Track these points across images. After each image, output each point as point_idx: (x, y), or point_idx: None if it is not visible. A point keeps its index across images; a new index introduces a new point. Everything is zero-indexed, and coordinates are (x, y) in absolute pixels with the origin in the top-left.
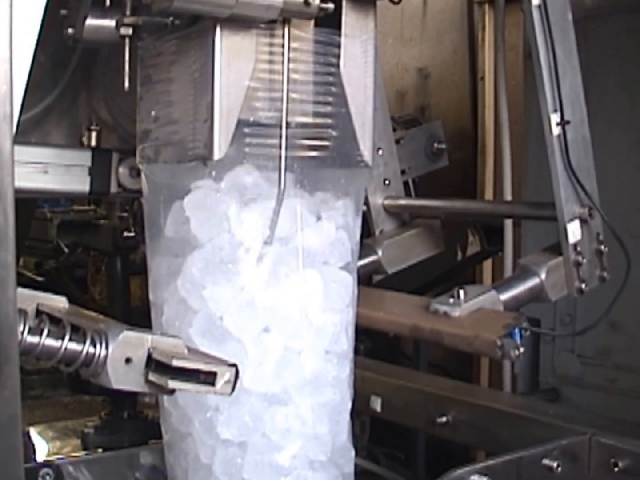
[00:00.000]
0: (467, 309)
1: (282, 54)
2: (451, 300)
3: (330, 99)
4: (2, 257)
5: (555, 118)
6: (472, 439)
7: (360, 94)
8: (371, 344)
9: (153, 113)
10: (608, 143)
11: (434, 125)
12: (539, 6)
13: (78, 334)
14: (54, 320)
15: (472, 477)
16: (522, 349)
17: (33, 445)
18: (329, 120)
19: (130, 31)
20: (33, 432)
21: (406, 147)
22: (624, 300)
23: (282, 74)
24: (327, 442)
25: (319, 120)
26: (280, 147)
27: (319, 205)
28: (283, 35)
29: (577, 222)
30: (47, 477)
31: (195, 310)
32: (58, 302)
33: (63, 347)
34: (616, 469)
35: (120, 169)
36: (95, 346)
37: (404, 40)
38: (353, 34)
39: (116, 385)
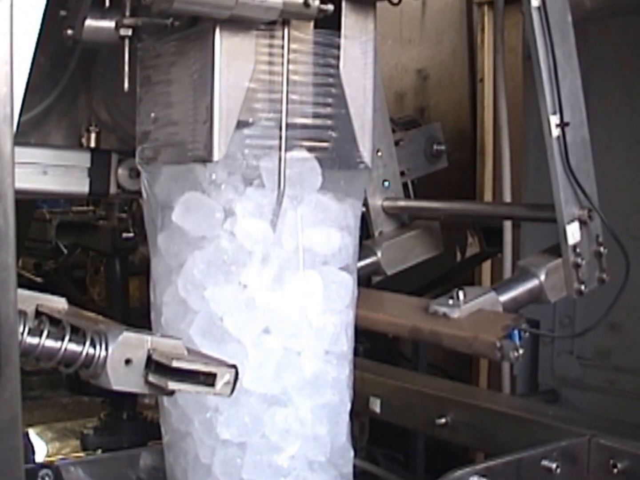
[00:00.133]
0: (467, 310)
1: (282, 55)
2: (450, 301)
3: (329, 100)
4: (3, 259)
5: (554, 120)
6: (471, 440)
7: (359, 95)
8: (370, 345)
9: (152, 114)
10: (607, 145)
11: (433, 127)
12: (539, 8)
13: (78, 335)
14: (54, 321)
15: (471, 478)
16: (521, 351)
17: (32, 446)
18: (328, 122)
19: (129, 32)
20: (32, 433)
21: (405, 148)
22: (624, 301)
23: (282, 75)
24: (326, 442)
25: (318, 122)
26: (280, 149)
27: (318, 206)
28: (283, 37)
29: (576, 224)
30: (47, 478)
31: (196, 311)
32: (57, 303)
33: (63, 348)
34: (615, 471)
35: (120, 170)
36: (95, 347)
37: (403, 41)
38: (353, 35)
39: (116, 387)
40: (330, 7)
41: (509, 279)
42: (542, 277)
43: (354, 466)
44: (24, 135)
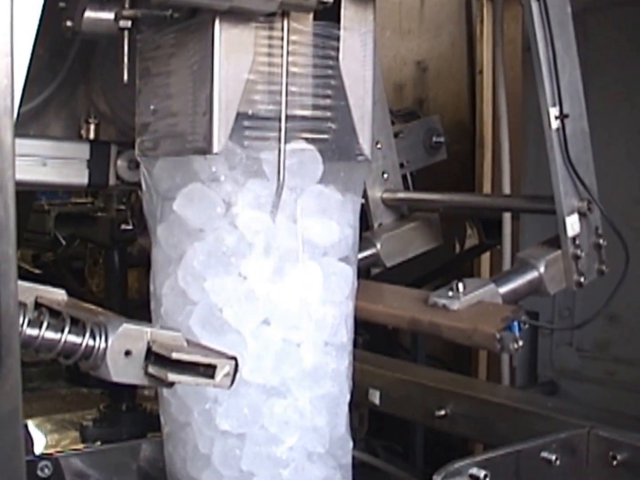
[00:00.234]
0: (466, 302)
1: (282, 47)
2: (450, 293)
3: (329, 92)
4: (3, 250)
5: (554, 111)
6: (470, 432)
7: (359, 87)
8: (369, 336)
9: (152, 106)
10: (607, 137)
11: (432, 119)
12: None
13: (77, 326)
14: (53, 312)
15: (470, 470)
16: (520, 342)
17: (31, 438)
18: (328, 113)
19: (129, 24)
20: (31, 425)
21: (405, 140)
22: (623, 293)
23: (282, 67)
24: (325, 434)
25: (318, 113)
26: (279, 140)
27: (318, 197)
28: (282, 29)
29: (575, 216)
30: (46, 470)
31: (195, 302)
32: (57, 295)
33: (62, 340)
34: (615, 462)
35: (119, 162)
36: (94, 339)
37: (402, 32)
38: (352, 27)
39: (116, 378)
40: None
41: (508, 271)
42: (542, 269)
43: (353, 457)
44: (22, 127)
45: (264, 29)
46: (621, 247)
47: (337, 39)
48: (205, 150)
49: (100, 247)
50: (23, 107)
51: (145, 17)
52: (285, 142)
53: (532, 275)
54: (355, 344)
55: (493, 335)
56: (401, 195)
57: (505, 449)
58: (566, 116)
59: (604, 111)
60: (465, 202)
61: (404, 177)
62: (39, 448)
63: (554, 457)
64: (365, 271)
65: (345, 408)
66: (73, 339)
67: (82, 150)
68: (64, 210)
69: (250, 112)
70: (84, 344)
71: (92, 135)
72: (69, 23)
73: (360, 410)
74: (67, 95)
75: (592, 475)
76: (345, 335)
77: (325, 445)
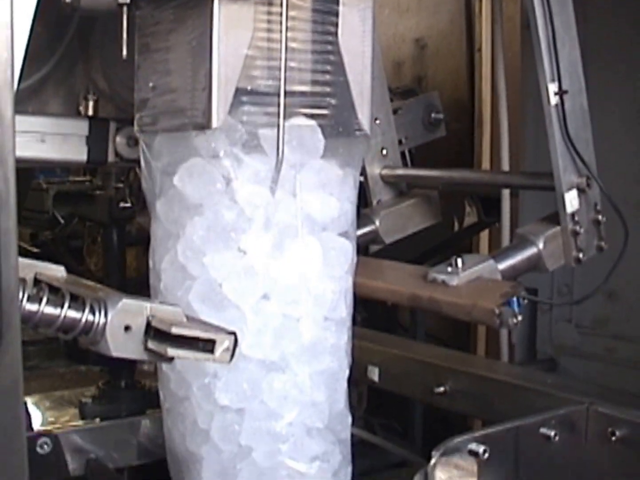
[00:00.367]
0: (465, 277)
1: (281, 22)
2: (449, 269)
3: (328, 67)
4: (4, 224)
5: (553, 88)
6: (469, 409)
7: (358, 63)
8: (368, 315)
9: (151, 82)
10: (607, 114)
11: (431, 96)
12: None
13: (77, 302)
14: (53, 289)
15: (469, 446)
16: (520, 317)
17: (29, 415)
18: (327, 89)
19: (128, 0)
20: (29, 402)
21: (403, 117)
22: (622, 269)
23: (281, 42)
24: (324, 409)
25: (317, 89)
26: (278, 116)
27: (318, 172)
28: (281, 4)
29: (574, 192)
30: (45, 447)
31: (195, 277)
32: (56, 272)
33: (62, 315)
34: (613, 438)
35: (118, 138)
36: (94, 314)
37: (401, 10)
38: (351, 3)
39: (115, 353)
40: None
41: (507, 247)
42: (541, 245)
43: (352, 435)
44: (21, 104)
45: (263, 4)
46: (620, 223)
47: (336, 14)
48: (204, 125)
49: (98, 226)
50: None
51: None
52: (285, 118)
53: (531, 251)
54: (354, 322)
55: (492, 311)
56: (400, 171)
57: (504, 424)
58: (565, 92)
59: (604, 90)
60: (464, 178)
61: (403, 154)
62: (37, 425)
63: (553, 433)
64: (364, 248)
65: (344, 383)
66: (72, 314)
67: (81, 127)
68: (62, 189)
69: (249, 87)
70: (83, 319)
71: (90, 112)
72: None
73: (359, 387)
74: (65, 73)
75: (591, 451)
76: (344, 310)
77: (324, 420)
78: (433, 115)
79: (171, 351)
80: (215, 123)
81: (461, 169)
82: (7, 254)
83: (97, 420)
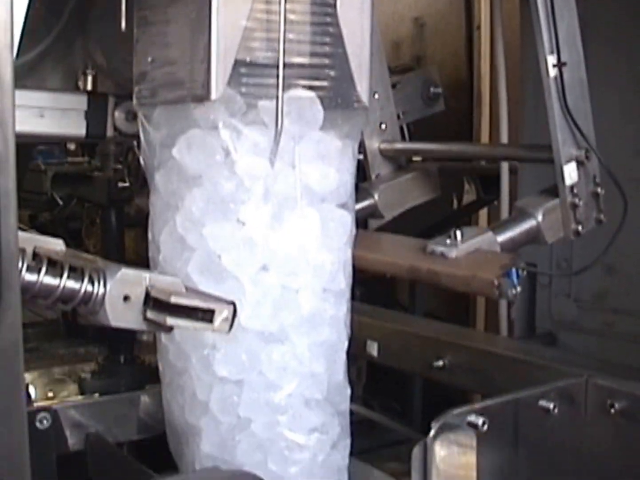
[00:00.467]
0: (464, 250)
1: None
2: (448, 241)
3: (327, 39)
4: (3, 185)
5: (551, 60)
6: (468, 383)
7: (356, 35)
8: (366, 293)
9: (150, 55)
10: (606, 87)
11: (430, 70)
12: None
13: (76, 272)
14: (52, 262)
15: (468, 418)
16: (519, 289)
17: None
18: (326, 61)
19: None
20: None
21: (402, 91)
22: (621, 243)
23: (279, 14)
24: (323, 380)
25: (316, 61)
26: (277, 87)
27: (317, 143)
28: None
29: (573, 164)
30: (45, 421)
31: (194, 248)
32: (55, 245)
33: (61, 285)
34: (612, 411)
35: (117, 113)
36: (93, 284)
37: None
38: None
39: (114, 323)
40: None
41: (506, 220)
42: (540, 218)
43: (351, 412)
44: (19, 80)
45: None
46: (619, 197)
47: None
48: (203, 97)
49: (97, 207)
50: (20, 60)
51: None
52: (283, 90)
53: (530, 223)
54: (353, 297)
55: (491, 282)
56: (399, 145)
57: (504, 397)
58: (564, 64)
59: (603, 64)
60: (463, 152)
61: (401, 129)
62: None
63: (552, 406)
64: (362, 224)
65: (343, 355)
66: (72, 284)
67: (80, 102)
68: (60, 170)
69: (248, 59)
70: (82, 290)
71: (89, 87)
72: None
73: (358, 363)
74: (64, 49)
75: (590, 423)
76: (343, 281)
77: (323, 391)
78: (432, 89)
79: (170, 320)
80: (214, 95)
81: (460, 142)
82: (7, 215)
83: (97, 395)
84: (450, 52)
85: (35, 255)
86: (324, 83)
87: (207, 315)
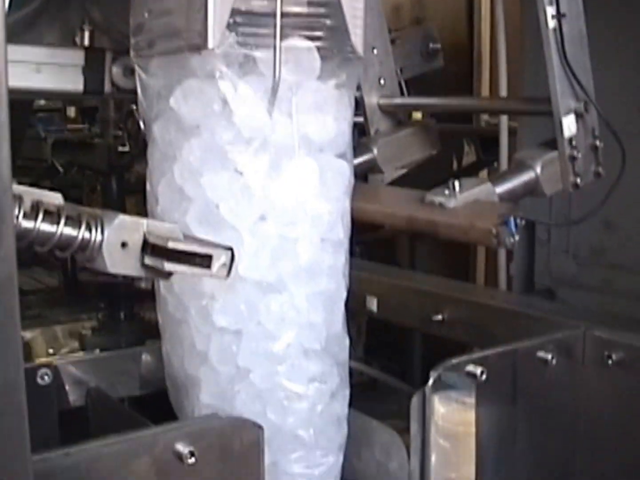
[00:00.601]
0: (462, 200)
1: None
2: (446, 192)
3: None
4: None
5: (550, 10)
6: (467, 336)
7: None
8: (366, 253)
9: (146, 6)
10: (607, 41)
11: (428, 26)
12: None
13: (73, 220)
14: (49, 212)
15: (467, 367)
16: (517, 237)
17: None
18: (321, 10)
19: None
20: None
21: (401, 47)
22: (618, 198)
23: None
24: (321, 330)
25: (312, 10)
26: (274, 37)
27: (315, 93)
28: None
29: (572, 116)
30: (46, 377)
31: (192, 198)
32: (54, 199)
33: (58, 232)
34: (610, 362)
35: (114, 68)
36: (90, 231)
37: None
38: None
39: (112, 270)
40: None
41: (505, 171)
42: (538, 170)
43: (350, 373)
44: (16, 36)
45: None
46: (618, 151)
47: None
48: (200, 46)
49: (97, 174)
50: (16, 15)
51: None
52: (280, 39)
53: (528, 175)
54: (352, 254)
55: (489, 231)
56: (398, 100)
57: (502, 347)
58: (563, 15)
59: (604, 17)
60: (462, 105)
61: (400, 85)
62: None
63: (549, 357)
64: (362, 179)
65: (342, 305)
66: (69, 231)
67: (77, 57)
68: (60, 138)
69: (244, 8)
70: (79, 236)
71: (86, 42)
72: None
73: (358, 319)
74: (60, 4)
75: (588, 374)
76: (341, 231)
77: (322, 342)
78: (431, 45)
79: (168, 266)
80: (211, 44)
81: (459, 96)
82: None
83: (97, 351)
84: (450, 16)
85: (33, 207)
86: (320, 33)
87: (205, 261)
